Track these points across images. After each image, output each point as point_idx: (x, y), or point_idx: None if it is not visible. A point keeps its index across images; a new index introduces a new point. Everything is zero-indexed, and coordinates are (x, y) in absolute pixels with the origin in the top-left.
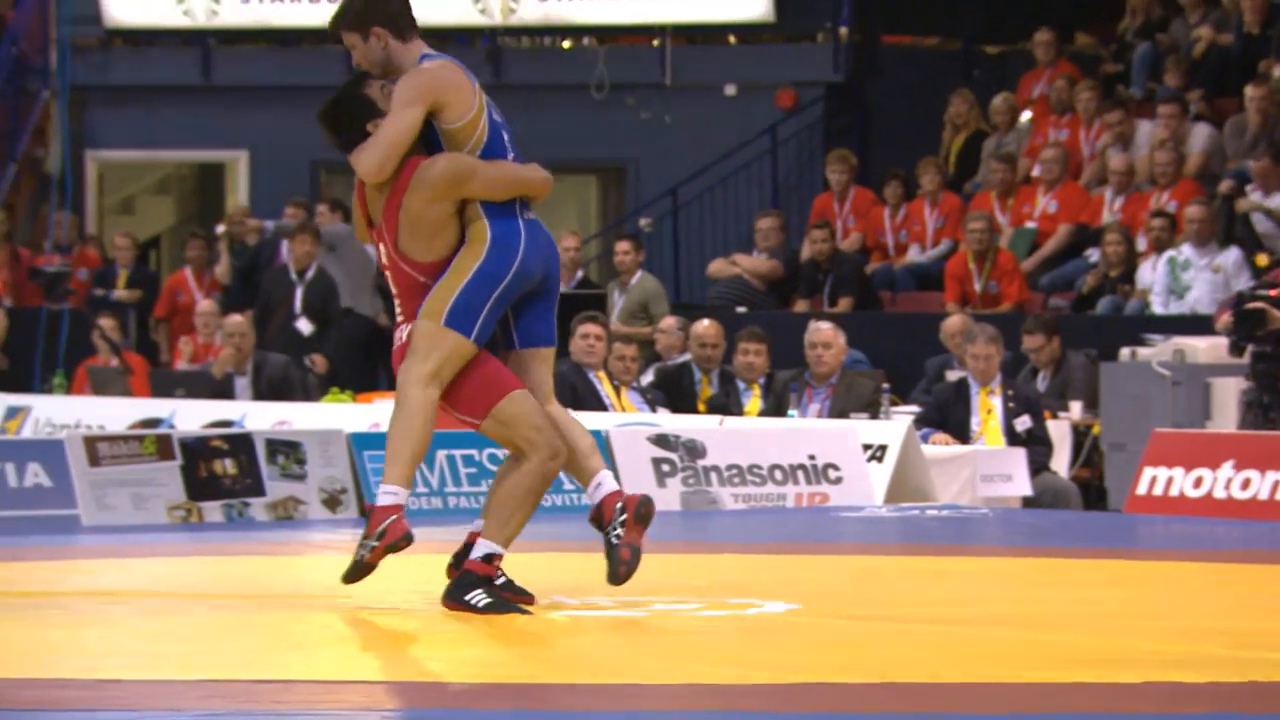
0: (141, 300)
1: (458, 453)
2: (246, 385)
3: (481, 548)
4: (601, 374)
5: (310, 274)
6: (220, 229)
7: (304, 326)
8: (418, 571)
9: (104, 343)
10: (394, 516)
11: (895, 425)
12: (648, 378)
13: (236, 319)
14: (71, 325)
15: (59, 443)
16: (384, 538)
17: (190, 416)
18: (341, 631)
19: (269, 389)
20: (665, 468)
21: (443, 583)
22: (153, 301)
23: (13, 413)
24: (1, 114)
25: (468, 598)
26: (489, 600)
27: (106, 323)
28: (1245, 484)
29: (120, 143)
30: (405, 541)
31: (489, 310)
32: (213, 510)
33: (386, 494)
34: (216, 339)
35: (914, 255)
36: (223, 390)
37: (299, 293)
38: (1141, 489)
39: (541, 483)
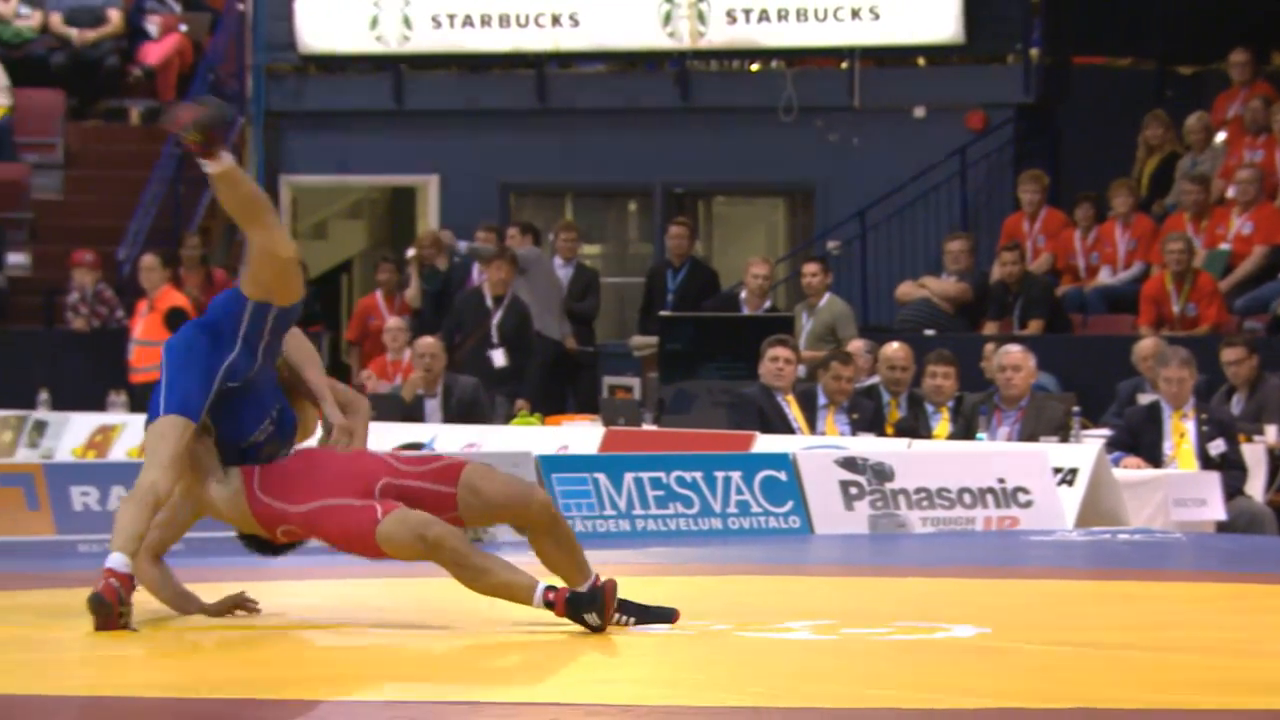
0: (306, 320)
1: (645, 475)
2: (436, 407)
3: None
4: (790, 397)
5: (506, 301)
6: (410, 253)
7: (498, 358)
8: None
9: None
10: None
11: (1086, 449)
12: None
13: (427, 341)
14: None
15: None
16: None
17: (381, 438)
18: (525, 653)
19: (458, 411)
20: (853, 490)
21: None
22: (314, 322)
23: None
24: None
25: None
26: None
27: None
28: None
29: (313, 167)
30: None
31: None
32: None
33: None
34: (405, 356)
35: (1105, 277)
36: (413, 412)
37: (495, 320)
38: None
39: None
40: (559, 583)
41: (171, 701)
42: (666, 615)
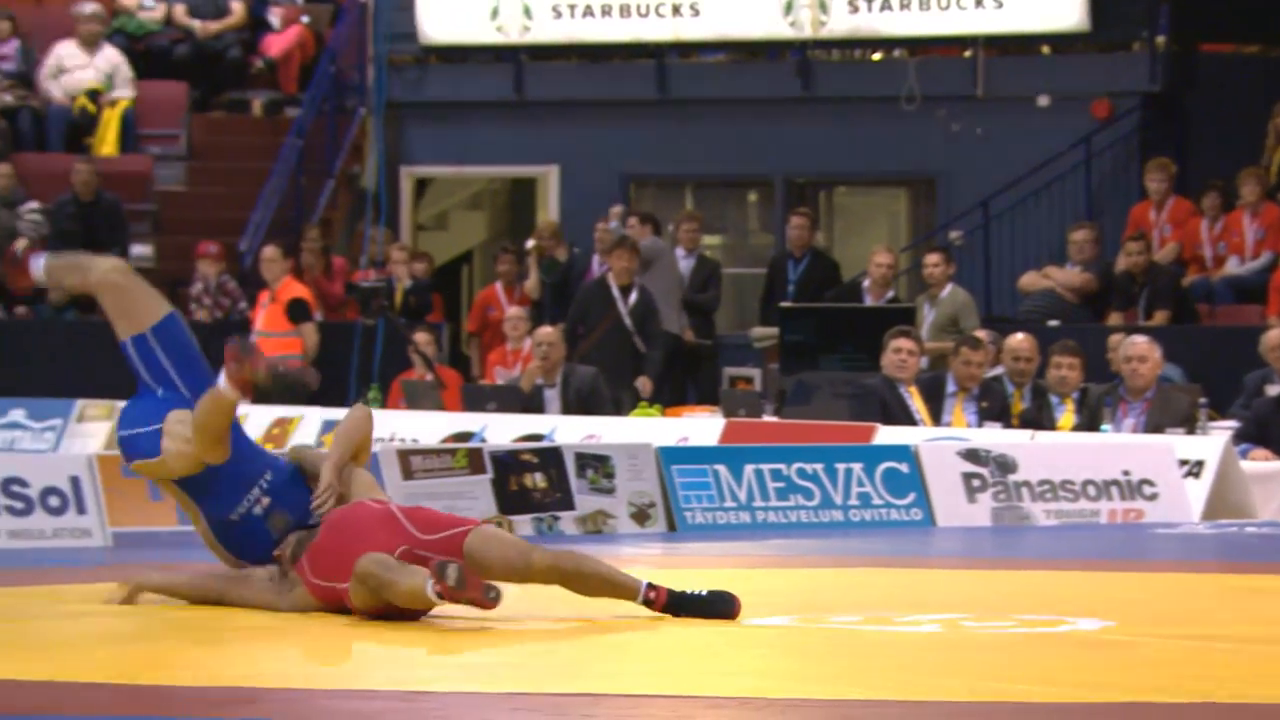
0: (416, 312)
1: (765, 467)
2: (555, 397)
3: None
4: (912, 388)
5: (635, 292)
6: (530, 244)
7: (637, 344)
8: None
9: (418, 357)
10: None
11: (1213, 441)
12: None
13: (547, 330)
14: (386, 339)
15: (374, 455)
16: None
17: (501, 430)
18: (650, 644)
19: (577, 401)
20: (975, 483)
21: (756, 593)
22: (425, 313)
23: (329, 426)
24: (319, 131)
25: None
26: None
27: (421, 337)
28: None
29: (434, 158)
30: None
31: None
32: (523, 524)
33: None
34: (525, 346)
35: (1233, 267)
36: (531, 403)
37: (627, 309)
38: None
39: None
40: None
41: (321, 693)
42: (727, 604)
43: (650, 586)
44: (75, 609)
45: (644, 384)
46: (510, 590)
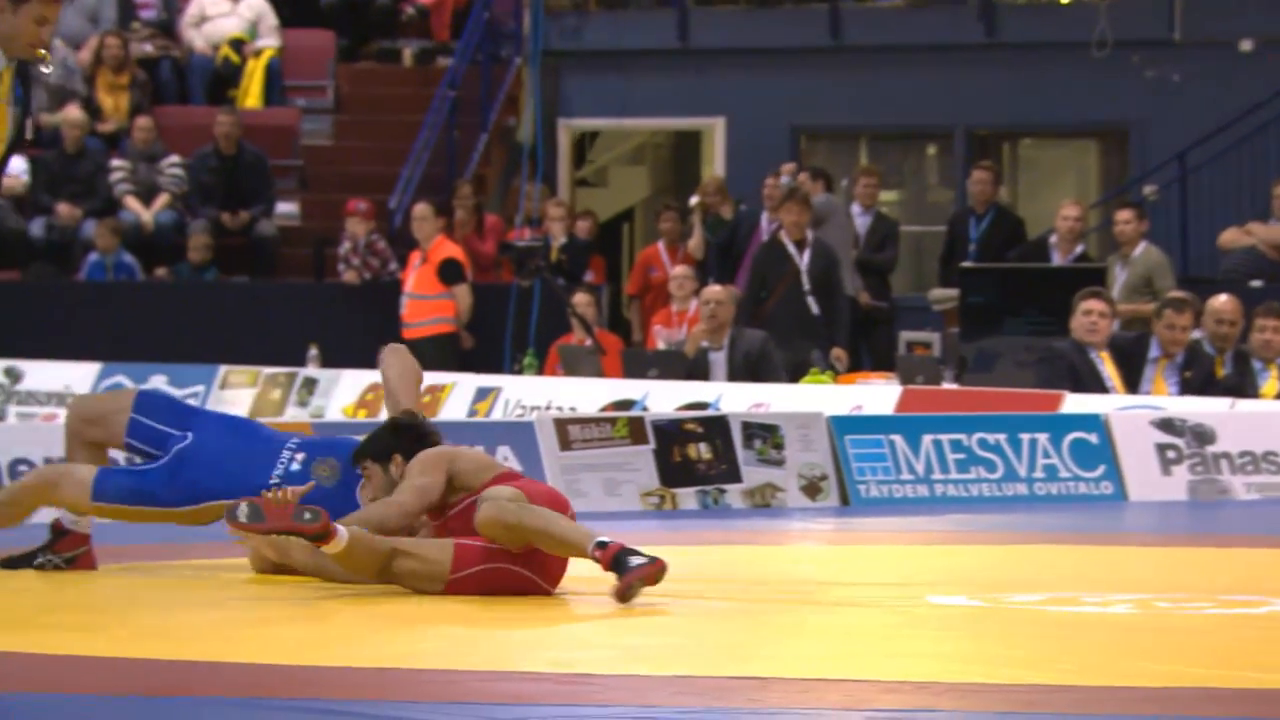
0: (574, 273)
1: (945, 437)
2: (722, 361)
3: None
4: (1104, 353)
5: (810, 248)
6: (694, 201)
7: (810, 305)
8: (905, 564)
9: (577, 321)
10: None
11: None
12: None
13: (715, 289)
14: (542, 302)
15: (529, 425)
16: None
17: (663, 398)
18: (822, 625)
19: (745, 366)
20: (1170, 454)
21: (934, 571)
22: (584, 275)
23: (482, 394)
24: (473, 82)
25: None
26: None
27: (580, 300)
28: None
29: (593, 111)
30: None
31: None
32: (687, 497)
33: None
34: (691, 307)
35: None
36: (697, 369)
37: (804, 266)
38: None
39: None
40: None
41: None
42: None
43: (599, 545)
44: (216, 590)
45: (839, 356)
46: (674, 570)
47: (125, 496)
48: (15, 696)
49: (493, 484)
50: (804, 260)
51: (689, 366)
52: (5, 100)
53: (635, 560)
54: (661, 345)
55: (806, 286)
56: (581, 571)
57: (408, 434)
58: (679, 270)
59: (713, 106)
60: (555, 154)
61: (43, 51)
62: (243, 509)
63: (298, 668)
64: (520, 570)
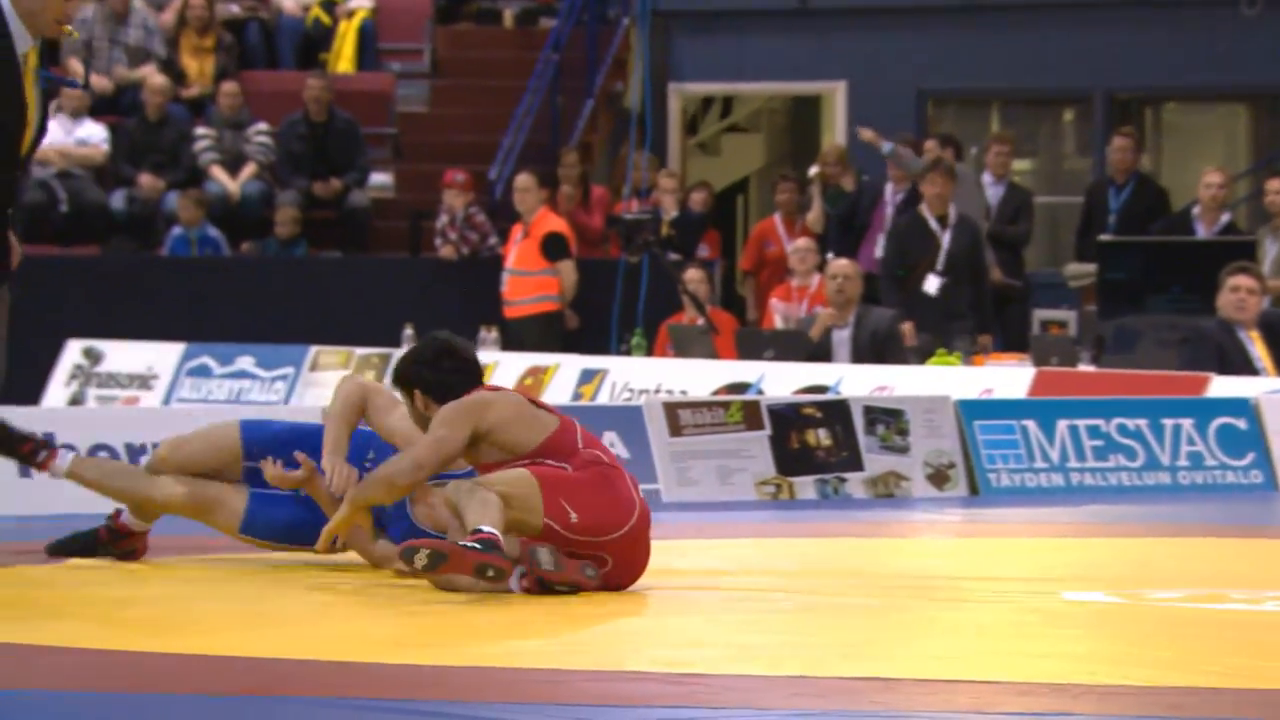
0: (685, 248)
1: (1081, 423)
2: (846, 340)
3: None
4: (1254, 333)
5: (954, 219)
6: (814, 170)
7: (931, 286)
8: (1038, 557)
9: (688, 298)
10: None
11: None
12: None
13: (843, 262)
14: (651, 279)
15: (637, 409)
16: None
17: (780, 380)
18: (950, 623)
19: (870, 347)
20: None
21: (1070, 565)
22: (696, 249)
23: (588, 376)
24: (578, 44)
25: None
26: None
27: (692, 276)
28: None
29: (706, 74)
30: None
31: None
32: (805, 486)
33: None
34: (813, 282)
35: None
36: (818, 350)
37: (945, 243)
38: None
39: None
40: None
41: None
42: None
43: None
44: (300, 585)
45: (985, 344)
46: (790, 564)
47: (276, 534)
48: (109, 697)
49: (544, 449)
50: (946, 237)
51: (808, 347)
52: (33, 81)
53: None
54: (779, 322)
55: (948, 265)
56: (692, 564)
57: (435, 365)
58: (801, 243)
59: (833, 69)
60: (665, 121)
61: (69, 29)
62: (421, 556)
63: (395, 667)
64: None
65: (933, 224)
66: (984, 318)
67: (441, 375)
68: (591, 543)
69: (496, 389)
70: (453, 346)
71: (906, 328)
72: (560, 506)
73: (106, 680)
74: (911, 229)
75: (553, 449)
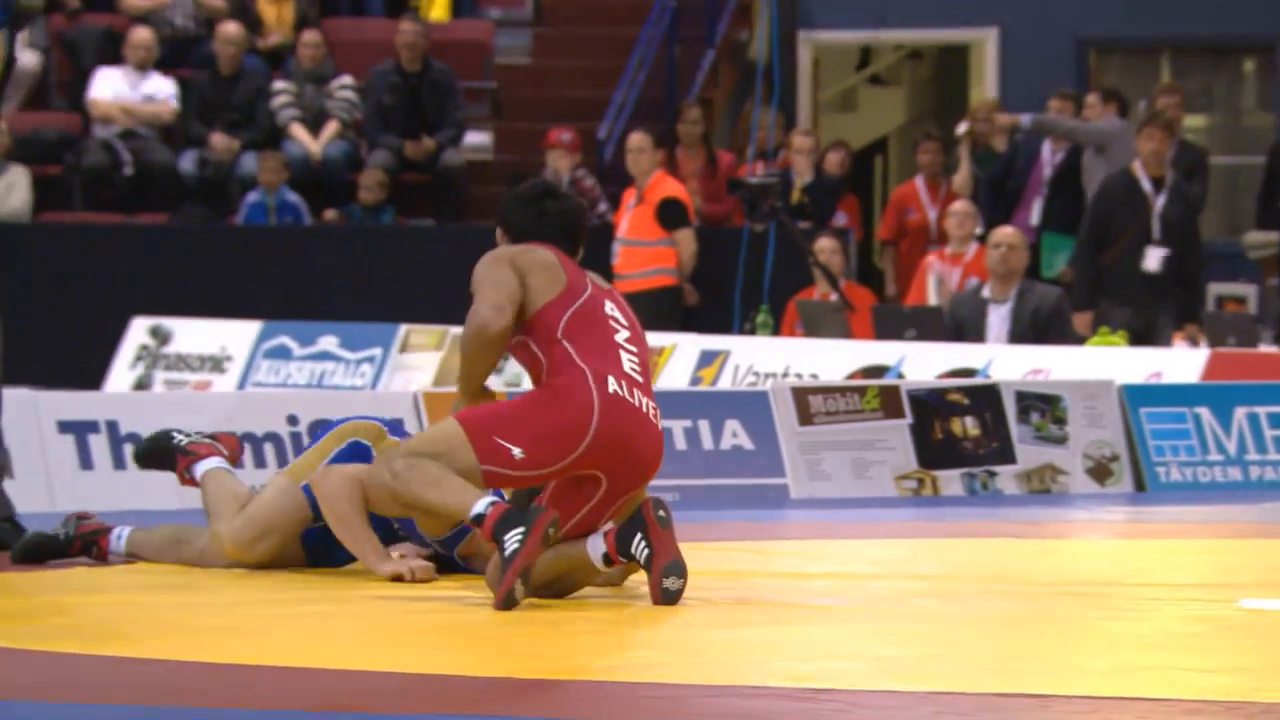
0: (817, 214)
1: (1262, 410)
2: (1004, 317)
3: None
4: None
5: (1169, 184)
6: (962, 128)
7: (1153, 261)
8: (1209, 560)
9: (820, 271)
10: None
11: None
12: None
13: (1008, 230)
14: (778, 249)
15: (763, 395)
16: None
17: (923, 362)
18: (1112, 633)
19: (1031, 327)
20: None
21: (1248, 570)
22: (829, 216)
23: (708, 358)
24: None
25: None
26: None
27: (824, 246)
28: None
29: (840, 22)
30: None
31: None
32: (950, 481)
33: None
34: (970, 250)
35: None
36: (968, 326)
37: (1157, 209)
38: None
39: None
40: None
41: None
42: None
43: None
44: (376, 592)
45: (1192, 334)
46: (933, 568)
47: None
48: (188, 712)
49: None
50: (1160, 201)
51: (957, 324)
52: None
53: (511, 542)
54: (933, 287)
55: (1158, 235)
56: (823, 568)
57: (529, 205)
58: (959, 206)
59: (983, 15)
60: (794, 74)
61: None
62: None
63: (502, 681)
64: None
65: (1145, 185)
66: (1193, 302)
67: (530, 216)
68: (554, 471)
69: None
70: (558, 192)
71: (1081, 317)
72: (497, 446)
73: (177, 695)
74: (1120, 190)
75: (541, 325)
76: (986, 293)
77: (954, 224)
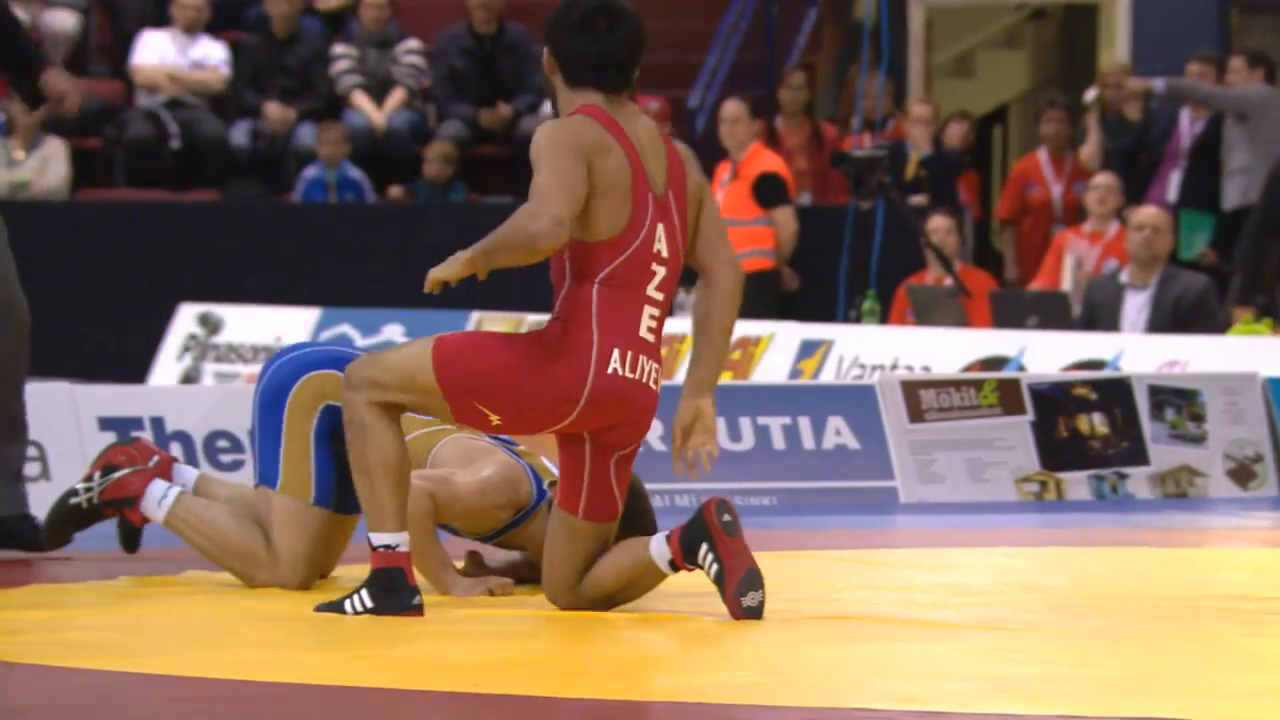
0: (932, 190)
1: None
2: (1143, 304)
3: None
4: None
5: None
6: (1090, 95)
7: None
8: None
9: (932, 253)
10: None
11: None
12: None
13: (1151, 210)
14: (887, 229)
15: (869, 389)
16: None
17: (1046, 353)
18: (1257, 652)
19: (1173, 316)
20: None
21: None
22: (945, 193)
23: (809, 349)
24: None
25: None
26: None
27: (938, 226)
28: None
29: None
30: None
31: None
32: (1077, 483)
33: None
34: (1111, 229)
35: None
36: (1099, 315)
37: None
38: None
39: None
40: None
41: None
42: None
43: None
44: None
45: None
46: (1056, 580)
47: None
48: None
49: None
50: None
51: (1091, 309)
52: None
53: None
54: (1069, 267)
55: None
56: (935, 579)
57: (580, 26)
58: (1101, 180)
59: None
60: (904, 37)
61: None
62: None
63: (589, 704)
64: None
65: None
66: None
67: (588, 41)
68: (529, 437)
69: None
70: (612, 7)
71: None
72: (474, 410)
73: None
74: None
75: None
76: (1124, 277)
77: (1095, 199)
